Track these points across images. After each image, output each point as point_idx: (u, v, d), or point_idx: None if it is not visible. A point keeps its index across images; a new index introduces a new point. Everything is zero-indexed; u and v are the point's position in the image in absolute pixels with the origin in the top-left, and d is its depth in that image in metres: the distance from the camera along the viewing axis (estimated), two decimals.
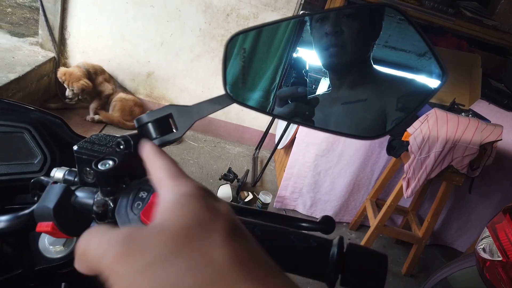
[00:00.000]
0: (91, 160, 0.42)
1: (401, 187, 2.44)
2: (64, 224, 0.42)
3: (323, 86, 0.52)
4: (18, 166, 0.58)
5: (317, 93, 0.51)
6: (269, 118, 3.45)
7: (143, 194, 0.40)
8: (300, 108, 0.51)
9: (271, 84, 0.55)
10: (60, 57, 3.48)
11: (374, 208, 2.80)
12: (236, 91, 0.51)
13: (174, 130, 0.45)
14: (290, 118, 0.52)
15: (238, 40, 0.50)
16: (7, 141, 0.59)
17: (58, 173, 0.47)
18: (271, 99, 0.55)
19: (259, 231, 0.41)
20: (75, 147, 0.44)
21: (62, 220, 0.42)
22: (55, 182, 0.45)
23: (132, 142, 0.42)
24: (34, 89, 3.19)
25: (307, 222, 0.58)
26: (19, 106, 0.63)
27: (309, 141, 2.79)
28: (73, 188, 0.45)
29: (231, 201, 2.82)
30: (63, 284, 0.60)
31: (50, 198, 0.42)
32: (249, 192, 2.97)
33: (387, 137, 2.66)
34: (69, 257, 0.57)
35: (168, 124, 0.45)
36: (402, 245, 3.03)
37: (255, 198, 2.88)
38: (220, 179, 3.01)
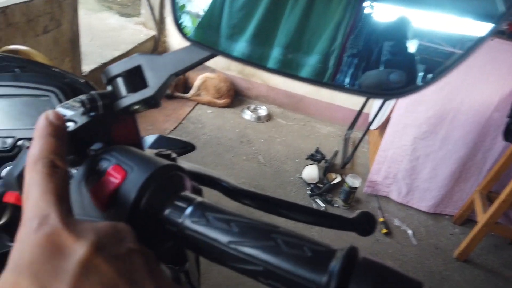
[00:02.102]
0: None
1: None
2: None
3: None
4: None
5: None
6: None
7: (101, 166, 0.32)
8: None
9: (329, 46, 0.42)
10: (160, 35, 3.66)
11: (485, 201, 2.41)
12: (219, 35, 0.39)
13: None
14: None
15: None
16: (35, 105, 0.56)
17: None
18: (330, 65, 0.42)
19: (236, 226, 0.30)
20: (57, 107, 0.37)
21: None
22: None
23: (100, 103, 0.34)
24: None
25: (338, 219, 0.43)
26: (50, 70, 0.59)
27: (407, 122, 2.49)
28: None
29: (317, 182, 2.69)
30: None
31: (17, 166, 0.36)
32: (337, 175, 2.79)
33: (505, 120, 2.22)
34: None
35: (142, 79, 0.36)
36: None
37: (342, 181, 2.70)
38: (306, 159, 2.89)
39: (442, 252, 2.47)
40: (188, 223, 0.31)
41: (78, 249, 0.22)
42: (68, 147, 0.32)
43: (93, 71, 2.73)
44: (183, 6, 0.41)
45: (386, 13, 0.40)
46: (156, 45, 3.64)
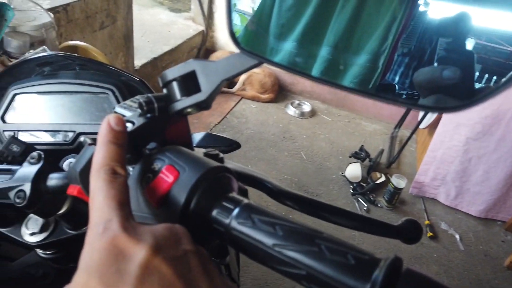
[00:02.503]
0: None
1: None
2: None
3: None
4: None
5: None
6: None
7: (156, 166, 0.34)
8: (446, 103, 0.33)
9: (380, 46, 0.41)
10: (208, 30, 3.73)
11: None
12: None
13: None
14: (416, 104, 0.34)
15: None
16: (94, 101, 0.60)
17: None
18: (377, 69, 0.41)
19: (280, 230, 0.31)
20: (115, 107, 0.40)
21: (88, 184, 0.39)
22: (92, 144, 0.42)
23: (156, 105, 0.36)
24: (184, 60, 3.50)
25: (383, 226, 0.43)
26: (108, 68, 0.63)
27: (459, 121, 2.37)
28: None
29: (360, 181, 2.64)
30: None
31: (80, 161, 0.39)
32: (382, 174, 2.72)
33: None
34: None
35: (196, 83, 0.38)
36: None
37: (387, 181, 2.63)
38: (350, 157, 2.84)
39: (491, 260, 2.34)
40: (234, 224, 0.32)
41: (138, 252, 0.24)
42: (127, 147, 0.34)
43: (144, 66, 2.85)
44: (241, 15, 0.42)
45: (442, 10, 0.39)
46: (204, 40, 3.72)
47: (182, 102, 0.38)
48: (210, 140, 0.62)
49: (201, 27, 3.67)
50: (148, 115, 0.37)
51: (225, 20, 0.38)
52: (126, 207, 0.28)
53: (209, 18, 3.69)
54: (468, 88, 0.32)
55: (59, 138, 0.59)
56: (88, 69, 0.65)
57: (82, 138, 0.46)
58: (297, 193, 0.45)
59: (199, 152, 0.42)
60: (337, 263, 0.28)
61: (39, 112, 0.62)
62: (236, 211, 0.33)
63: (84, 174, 0.38)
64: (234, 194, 0.35)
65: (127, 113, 0.39)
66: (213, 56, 3.57)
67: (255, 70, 3.43)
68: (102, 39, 2.28)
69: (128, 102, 0.41)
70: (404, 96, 0.42)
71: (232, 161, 0.44)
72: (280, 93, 3.60)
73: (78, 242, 0.58)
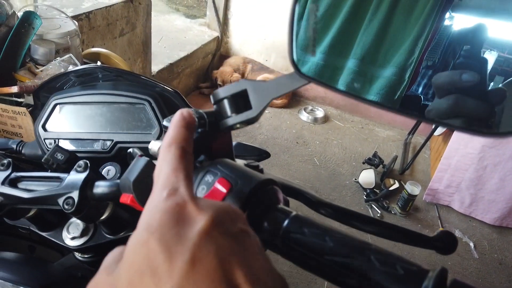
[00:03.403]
0: None
1: None
2: (142, 198, 0.41)
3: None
4: (138, 136, 0.63)
5: (505, 82, 0.34)
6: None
7: (209, 178, 0.37)
8: (465, 105, 0.34)
9: (407, 59, 0.42)
10: (223, 36, 3.78)
11: None
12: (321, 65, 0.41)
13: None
14: (442, 120, 0.35)
15: None
16: (131, 112, 0.64)
17: (154, 145, 0.45)
18: (405, 79, 0.43)
19: (331, 241, 0.33)
20: (163, 121, 0.43)
21: (141, 194, 0.41)
22: (142, 155, 0.45)
23: (207, 120, 0.39)
24: (200, 66, 3.56)
25: (419, 236, 0.44)
26: (143, 79, 0.67)
27: None
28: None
29: (373, 187, 2.65)
30: None
31: (133, 171, 0.42)
32: (395, 180, 2.73)
33: None
34: None
35: (245, 101, 0.40)
36: None
37: (401, 188, 2.63)
38: (363, 163, 2.85)
39: (506, 268, 2.32)
40: (286, 234, 0.34)
41: (199, 220, 0.26)
42: None
43: (160, 71, 2.91)
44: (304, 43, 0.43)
45: (465, 23, 0.40)
46: (219, 46, 3.77)
47: (233, 119, 0.40)
48: (241, 149, 0.65)
49: (216, 33, 3.72)
50: (200, 130, 0.39)
51: (288, 49, 0.40)
52: (191, 181, 0.30)
53: (224, 24, 3.74)
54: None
55: (97, 147, 0.63)
56: (125, 80, 0.68)
57: (131, 150, 0.49)
58: (333, 204, 0.47)
59: (240, 162, 0.45)
60: (387, 273, 0.30)
61: (78, 121, 0.65)
62: (286, 222, 0.35)
63: (137, 184, 0.41)
64: (283, 206, 0.37)
65: None
66: (227, 62, 3.61)
67: (269, 75, 3.46)
68: (122, 46, 2.34)
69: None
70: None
71: (270, 172, 0.46)
72: (293, 98, 3.62)
73: (115, 246, 0.62)
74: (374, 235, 0.45)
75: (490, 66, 0.36)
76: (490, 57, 0.36)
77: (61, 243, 0.58)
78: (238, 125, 0.41)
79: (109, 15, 2.13)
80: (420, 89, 0.43)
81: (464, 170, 2.51)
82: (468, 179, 2.51)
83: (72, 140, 0.65)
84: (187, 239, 0.25)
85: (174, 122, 0.34)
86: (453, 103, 0.34)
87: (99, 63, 1.62)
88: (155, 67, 2.88)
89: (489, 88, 0.35)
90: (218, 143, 0.42)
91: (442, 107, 0.35)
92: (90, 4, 2.06)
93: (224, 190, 0.35)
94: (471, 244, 2.43)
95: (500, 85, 0.35)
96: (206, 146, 0.40)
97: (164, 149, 0.32)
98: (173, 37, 3.49)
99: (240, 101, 0.40)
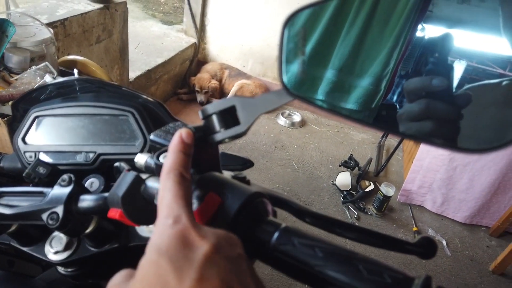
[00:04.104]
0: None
1: None
2: (131, 213, 0.42)
3: (457, 73, 0.38)
4: (122, 147, 0.62)
5: (468, 86, 0.36)
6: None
7: (199, 193, 0.38)
8: (435, 108, 0.36)
9: (383, 70, 0.44)
10: (200, 42, 3.80)
11: None
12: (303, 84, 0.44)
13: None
14: (415, 136, 0.37)
15: (302, 18, 0.43)
16: (114, 123, 0.64)
17: (140, 159, 0.46)
18: (380, 90, 0.45)
19: (320, 252, 0.34)
20: (151, 136, 0.45)
21: (130, 208, 0.42)
22: (130, 169, 0.46)
23: (196, 135, 0.39)
24: (177, 72, 3.56)
25: (401, 242, 0.46)
26: (125, 90, 0.68)
27: None
28: (145, 176, 0.44)
29: (350, 189, 2.72)
30: None
31: (121, 186, 0.42)
32: (371, 182, 2.80)
33: None
34: None
35: (233, 117, 0.41)
36: None
37: (376, 189, 2.71)
38: (340, 166, 2.92)
39: (477, 265, 2.43)
40: (276, 246, 0.35)
41: (202, 246, 0.29)
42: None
43: (138, 78, 2.89)
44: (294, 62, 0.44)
45: (433, 34, 0.42)
46: (196, 52, 3.78)
47: (222, 134, 0.41)
48: (225, 159, 0.65)
49: (193, 40, 3.73)
50: None
51: (277, 69, 0.42)
52: (191, 208, 0.33)
53: (201, 30, 3.76)
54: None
55: (80, 159, 0.62)
56: (107, 92, 0.69)
57: (117, 164, 0.50)
58: (317, 212, 0.48)
59: (227, 174, 0.46)
60: (375, 282, 0.31)
61: (59, 133, 0.65)
62: (276, 234, 0.36)
63: (126, 199, 0.42)
64: (272, 218, 0.39)
65: (164, 142, 0.43)
66: (205, 68, 3.63)
67: (246, 81, 3.50)
68: (98, 53, 2.32)
69: (162, 129, 0.45)
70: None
71: (256, 183, 0.48)
72: None
73: (99, 260, 0.59)
74: (356, 241, 0.46)
75: (459, 74, 0.38)
76: (460, 66, 0.39)
77: (44, 258, 0.57)
78: (226, 140, 0.42)
79: (85, 22, 2.12)
80: (395, 98, 0.45)
81: (436, 171, 2.60)
82: (440, 180, 2.61)
83: (53, 153, 0.64)
84: (193, 260, 0.28)
85: (173, 147, 0.36)
86: (425, 106, 0.36)
87: (75, 70, 1.61)
88: (133, 74, 2.86)
89: (456, 93, 0.37)
90: (206, 156, 0.43)
91: (414, 110, 0.36)
92: (65, 11, 2.04)
93: (214, 205, 0.36)
94: (444, 242, 2.53)
95: (465, 87, 0.37)
96: (195, 160, 0.40)
97: (164, 177, 0.35)
98: (150, 43, 3.48)
99: (228, 116, 0.41)
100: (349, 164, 2.91)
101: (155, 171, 0.43)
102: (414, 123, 0.37)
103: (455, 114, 0.35)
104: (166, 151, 0.40)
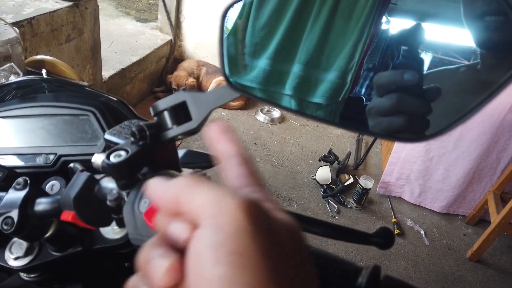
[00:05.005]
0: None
1: None
2: (84, 215, 0.41)
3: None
4: (83, 148, 0.61)
5: (428, 71, 0.35)
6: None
7: None
8: (407, 102, 0.35)
9: (348, 63, 0.44)
10: (176, 40, 3.74)
11: (498, 202, 2.42)
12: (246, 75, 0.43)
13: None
14: (384, 134, 0.36)
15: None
16: (75, 123, 0.62)
17: (97, 159, 0.44)
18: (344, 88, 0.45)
19: None
20: (105, 135, 0.43)
21: (83, 210, 0.41)
22: (83, 170, 0.44)
23: (148, 133, 0.38)
24: (153, 70, 3.51)
25: (360, 234, 0.47)
26: (86, 89, 0.66)
27: None
28: (99, 177, 0.43)
29: (330, 183, 2.73)
30: (126, 264, 0.62)
31: (73, 187, 0.41)
32: (350, 176, 2.83)
33: None
34: (127, 239, 0.57)
35: (185, 113, 0.40)
36: None
37: (356, 182, 2.73)
38: (320, 160, 2.93)
39: (455, 253, 2.48)
40: None
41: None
42: (123, 173, 0.37)
43: (112, 77, 2.83)
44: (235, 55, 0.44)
45: (402, 26, 0.41)
46: (172, 50, 3.73)
47: (174, 131, 0.40)
48: (191, 157, 0.65)
49: (169, 37, 3.68)
50: (141, 142, 0.38)
51: (219, 64, 0.41)
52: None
53: (176, 27, 3.71)
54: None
55: (40, 161, 0.60)
56: (67, 91, 0.66)
57: (72, 165, 0.48)
58: (283, 209, 0.49)
59: (187, 172, 0.45)
60: (326, 274, 0.32)
61: (17, 135, 0.63)
62: None
63: (78, 201, 0.40)
64: None
65: (118, 140, 0.42)
66: (181, 65, 3.58)
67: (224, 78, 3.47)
68: (69, 52, 2.26)
69: (117, 128, 0.43)
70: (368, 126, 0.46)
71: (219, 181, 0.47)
72: (249, 100, 3.65)
73: (63, 264, 0.58)
74: (319, 235, 0.47)
75: (426, 66, 0.37)
76: (426, 58, 0.38)
77: (4, 264, 0.55)
78: (179, 137, 0.41)
79: (54, 20, 2.05)
80: (363, 91, 0.45)
81: (413, 163, 2.65)
82: (417, 171, 2.66)
83: (11, 155, 0.62)
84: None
85: (215, 139, 0.34)
86: (396, 101, 0.35)
87: (44, 71, 1.55)
88: (106, 73, 2.80)
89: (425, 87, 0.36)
90: (162, 154, 0.42)
91: (385, 105, 0.35)
92: (33, 9, 1.97)
93: None
94: (422, 232, 2.57)
95: (426, 73, 0.36)
96: (149, 158, 0.40)
97: (227, 161, 0.32)
98: (124, 41, 3.41)
99: (180, 112, 0.40)
100: (328, 158, 2.93)
101: (107, 171, 0.41)
102: (385, 118, 0.36)
103: (426, 109, 0.34)
104: (116, 150, 0.38)
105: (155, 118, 0.42)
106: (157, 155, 0.41)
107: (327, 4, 0.44)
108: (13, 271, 0.58)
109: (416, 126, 0.35)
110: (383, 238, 0.47)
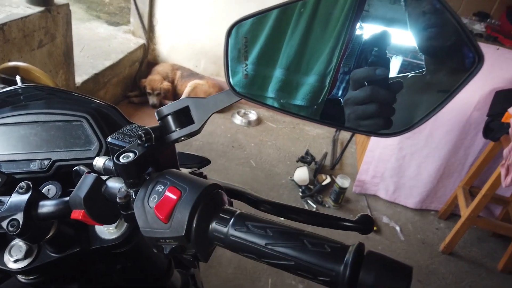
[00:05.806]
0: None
1: (499, 174, 2.16)
2: (94, 213, 0.44)
3: (395, 67, 0.44)
4: (77, 152, 0.62)
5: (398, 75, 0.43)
6: None
7: (159, 188, 0.40)
8: (378, 93, 0.42)
9: (326, 67, 0.48)
10: (149, 43, 3.71)
11: (467, 196, 2.54)
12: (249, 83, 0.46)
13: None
14: (357, 129, 0.43)
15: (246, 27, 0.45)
16: (68, 129, 0.63)
17: (99, 162, 0.48)
18: (325, 85, 0.49)
19: (271, 232, 0.38)
20: (108, 139, 0.45)
21: (92, 209, 0.44)
22: (90, 172, 0.46)
23: (153, 135, 0.42)
24: (127, 74, 3.46)
25: (343, 221, 0.53)
26: (78, 96, 0.66)
27: None
28: (105, 178, 0.46)
29: (308, 184, 2.79)
30: (117, 266, 0.63)
31: (82, 188, 0.44)
32: (327, 176, 2.89)
33: (484, 119, 2.36)
34: (122, 238, 0.59)
35: (187, 116, 0.45)
36: (501, 239, 2.71)
37: (333, 182, 2.80)
38: (297, 161, 2.99)
39: (428, 247, 2.59)
40: (232, 231, 0.39)
41: None
42: (131, 173, 0.40)
43: (85, 82, 2.78)
44: (238, 64, 0.47)
45: (373, 31, 0.46)
46: (146, 53, 3.70)
47: (178, 133, 0.45)
48: (183, 158, 0.68)
49: (142, 40, 3.64)
50: (146, 144, 0.43)
51: (224, 73, 0.45)
52: None
53: (149, 31, 3.68)
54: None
55: (34, 167, 0.61)
56: (58, 98, 0.67)
57: (77, 168, 0.50)
58: (270, 200, 0.54)
59: (186, 172, 0.48)
60: (317, 252, 0.36)
61: (11, 143, 0.63)
62: (232, 220, 0.40)
63: (88, 199, 0.43)
64: (228, 206, 0.42)
65: (123, 144, 0.45)
66: (155, 69, 3.55)
67: (199, 81, 3.47)
68: (41, 58, 2.20)
69: (120, 132, 0.47)
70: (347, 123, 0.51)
71: (213, 178, 0.50)
72: None
73: (60, 265, 0.60)
74: (306, 223, 0.52)
75: (397, 69, 0.44)
76: (397, 61, 0.44)
77: (3, 267, 0.56)
78: (182, 138, 0.45)
79: (25, 26, 2.00)
80: (340, 93, 0.49)
81: (387, 161, 2.74)
82: (391, 168, 2.75)
83: (6, 162, 0.62)
84: None
85: None
86: (370, 92, 0.42)
87: (18, 77, 1.52)
88: (79, 78, 2.75)
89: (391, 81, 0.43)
90: (164, 155, 0.46)
91: (360, 95, 0.43)
92: (3, 15, 1.92)
93: (174, 197, 0.39)
94: (397, 228, 2.67)
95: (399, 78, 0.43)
96: (154, 159, 0.43)
97: None
98: (96, 46, 3.35)
99: (183, 116, 0.45)
100: (306, 159, 2.98)
101: (114, 172, 0.46)
102: (359, 106, 0.43)
103: (392, 98, 0.42)
104: (125, 152, 0.42)
105: (159, 122, 0.46)
106: (160, 157, 0.45)
107: (306, 13, 0.48)
108: (11, 273, 0.58)
109: (384, 112, 0.43)
110: (364, 224, 0.53)
